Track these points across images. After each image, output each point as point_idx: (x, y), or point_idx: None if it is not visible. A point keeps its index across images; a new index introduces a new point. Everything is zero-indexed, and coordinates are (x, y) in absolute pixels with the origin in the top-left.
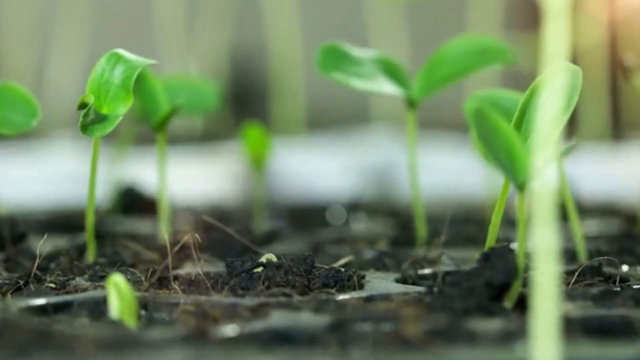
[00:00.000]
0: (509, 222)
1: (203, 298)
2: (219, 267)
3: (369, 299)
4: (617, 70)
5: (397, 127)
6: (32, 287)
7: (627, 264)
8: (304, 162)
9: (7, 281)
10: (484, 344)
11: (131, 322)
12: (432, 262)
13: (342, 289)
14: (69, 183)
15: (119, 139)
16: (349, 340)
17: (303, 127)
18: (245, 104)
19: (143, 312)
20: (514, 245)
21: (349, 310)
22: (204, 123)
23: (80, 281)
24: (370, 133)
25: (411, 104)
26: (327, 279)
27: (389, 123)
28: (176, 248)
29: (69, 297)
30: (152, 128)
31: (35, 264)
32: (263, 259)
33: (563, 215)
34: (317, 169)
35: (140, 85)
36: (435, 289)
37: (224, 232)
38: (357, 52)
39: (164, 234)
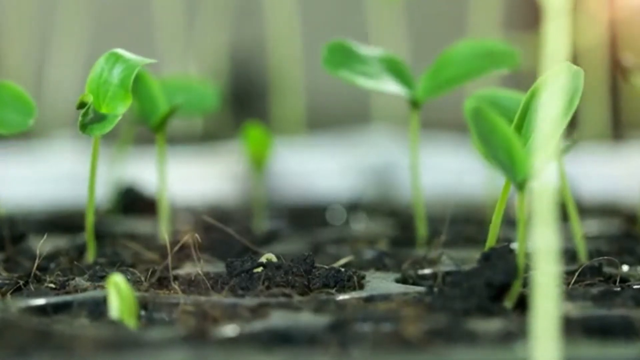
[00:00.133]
0: (509, 222)
1: (203, 298)
2: (219, 267)
3: (369, 299)
4: (617, 70)
5: (397, 127)
6: (31, 287)
7: (627, 264)
8: (304, 162)
9: (7, 281)
10: (484, 344)
11: (131, 322)
12: (432, 262)
13: (342, 289)
14: (68, 183)
15: (119, 139)
16: (349, 341)
17: (303, 127)
18: (245, 104)
19: (143, 312)
20: (514, 245)
21: (349, 310)
22: (203, 123)
23: (80, 281)
24: (370, 133)
25: (415, 104)
26: (327, 279)
27: (389, 123)
28: (176, 248)
29: (68, 297)
30: (150, 129)
31: (35, 264)
32: (263, 259)
33: (563, 215)
34: (317, 169)
35: (138, 86)
36: (436, 289)
37: (224, 232)
38: (363, 50)
39: (164, 234)
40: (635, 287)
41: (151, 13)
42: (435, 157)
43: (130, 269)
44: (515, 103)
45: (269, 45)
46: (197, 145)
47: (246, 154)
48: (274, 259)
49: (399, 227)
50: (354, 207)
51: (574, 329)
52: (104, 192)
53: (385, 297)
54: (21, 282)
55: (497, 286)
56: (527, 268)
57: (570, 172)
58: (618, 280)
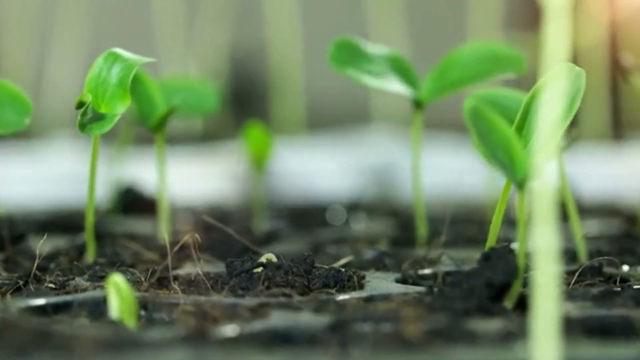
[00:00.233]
0: (510, 222)
1: (203, 298)
2: (218, 267)
3: (369, 299)
4: (617, 71)
5: (397, 127)
6: (31, 287)
7: (627, 264)
8: (304, 162)
9: (7, 281)
10: (484, 344)
11: (131, 323)
12: (432, 262)
13: (342, 289)
14: (68, 183)
15: (119, 139)
16: (349, 341)
17: (303, 127)
18: (245, 104)
19: (143, 313)
20: (514, 246)
21: (349, 310)
22: (203, 123)
23: (80, 281)
24: (370, 133)
25: (419, 105)
26: (327, 279)
27: (389, 123)
28: (176, 248)
29: (68, 298)
30: (149, 129)
31: (35, 264)
32: (263, 259)
33: (563, 215)
34: (317, 169)
35: (135, 86)
36: (436, 289)
37: (224, 232)
38: (369, 48)
39: (164, 234)
40: (635, 287)
41: (151, 13)
42: (435, 157)
43: (130, 269)
44: (515, 102)
45: (269, 45)
46: (197, 145)
47: (247, 153)
48: (274, 259)
49: (399, 227)
50: (354, 207)
51: (574, 329)
52: (103, 192)
53: (385, 297)
54: (21, 282)
55: (497, 286)
56: (527, 268)
57: (570, 172)
58: (618, 281)
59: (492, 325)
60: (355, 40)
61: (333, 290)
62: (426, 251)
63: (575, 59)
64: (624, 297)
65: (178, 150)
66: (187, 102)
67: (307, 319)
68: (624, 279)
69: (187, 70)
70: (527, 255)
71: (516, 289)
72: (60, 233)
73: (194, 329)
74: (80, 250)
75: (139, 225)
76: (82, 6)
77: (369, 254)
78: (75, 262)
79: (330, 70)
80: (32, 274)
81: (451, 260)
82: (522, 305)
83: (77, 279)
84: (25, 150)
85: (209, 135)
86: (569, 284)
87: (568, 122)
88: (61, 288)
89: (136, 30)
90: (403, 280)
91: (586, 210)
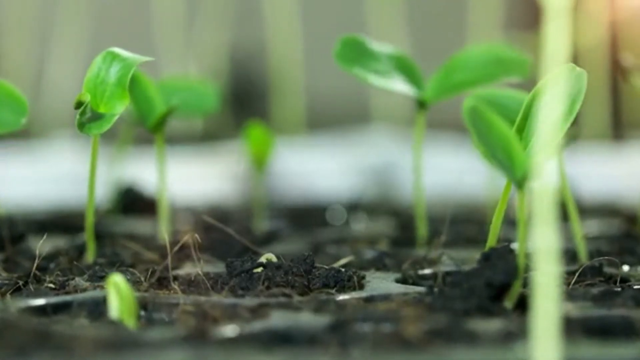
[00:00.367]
0: (510, 222)
1: (203, 298)
2: (218, 268)
3: (369, 299)
4: (617, 71)
5: (397, 127)
6: (31, 287)
7: (627, 264)
8: (304, 162)
9: (7, 281)
10: (484, 344)
11: (131, 323)
12: (432, 263)
13: (342, 289)
14: (68, 183)
15: (119, 139)
16: (349, 341)
17: (303, 127)
18: (245, 104)
19: (143, 313)
20: (515, 246)
21: (349, 310)
22: (203, 123)
23: (79, 281)
24: (370, 133)
25: (422, 105)
26: (327, 279)
27: (389, 123)
28: (176, 248)
29: (68, 298)
30: (148, 130)
31: (35, 264)
32: (263, 259)
33: (563, 216)
34: (317, 169)
35: (133, 87)
36: (436, 289)
37: (224, 232)
38: (375, 46)
39: (164, 234)
40: (635, 287)
41: (151, 13)
42: (435, 157)
43: (130, 269)
44: (515, 102)
45: (269, 45)
46: (197, 145)
47: (248, 153)
48: (274, 259)
49: (399, 227)
50: (354, 207)
51: (574, 329)
52: (103, 192)
53: (386, 297)
54: (21, 283)
55: (497, 286)
56: (528, 268)
57: (570, 172)
58: (618, 281)
59: (492, 325)
60: (361, 38)
61: (333, 290)
62: (426, 251)
63: (576, 59)
64: (624, 297)
65: (178, 150)
66: (187, 102)
67: (307, 319)
68: (624, 279)
69: (187, 70)
70: (527, 255)
71: (516, 289)
72: (60, 233)
73: (194, 329)
74: (80, 250)
75: (139, 225)
76: (82, 6)
77: (369, 254)
78: (75, 262)
79: (330, 70)
80: (31, 274)
81: (451, 260)
82: (522, 305)
83: (77, 279)
84: (25, 150)
85: (209, 135)
86: (569, 284)
87: (569, 123)
88: (61, 288)
89: (136, 30)
90: (403, 281)
91: (586, 210)
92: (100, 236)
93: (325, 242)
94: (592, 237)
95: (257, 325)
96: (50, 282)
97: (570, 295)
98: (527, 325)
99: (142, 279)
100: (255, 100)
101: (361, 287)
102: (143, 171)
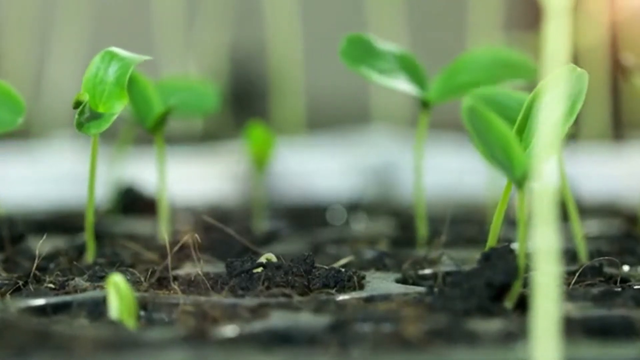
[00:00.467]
0: (510, 222)
1: (203, 298)
2: (218, 268)
3: (369, 300)
4: (617, 71)
5: (397, 127)
6: (31, 287)
7: (627, 264)
8: (304, 162)
9: (7, 281)
10: (484, 344)
11: (130, 323)
12: (432, 263)
13: (342, 290)
14: (68, 183)
15: (119, 139)
16: (349, 341)
17: (303, 127)
18: (245, 104)
19: (142, 313)
20: (515, 246)
21: (349, 310)
22: (203, 123)
23: (79, 281)
24: (370, 133)
25: (426, 105)
26: (327, 279)
27: (389, 123)
28: (176, 248)
29: (68, 298)
30: (147, 130)
31: (35, 265)
32: (263, 259)
33: (563, 216)
34: (317, 169)
35: (131, 87)
36: (436, 290)
37: (223, 232)
38: (380, 44)
39: (164, 234)
40: (635, 287)
41: (151, 13)
42: (436, 157)
43: (130, 269)
44: (514, 101)
45: (269, 45)
46: (197, 145)
47: (249, 153)
48: (274, 259)
49: (399, 227)
50: (354, 207)
51: (575, 329)
52: (103, 192)
53: (386, 298)
54: (20, 283)
55: (498, 286)
56: (528, 268)
57: (570, 172)
58: (618, 281)
59: (492, 325)
60: (367, 36)
61: (333, 291)
62: (426, 251)
63: (576, 59)
64: (625, 298)
65: (178, 150)
66: (187, 102)
67: (307, 319)
68: (625, 279)
69: (187, 70)
70: (528, 256)
71: (516, 289)
72: (60, 233)
73: (194, 329)
74: (80, 250)
75: (138, 226)
76: (82, 6)
77: (369, 254)
78: (74, 263)
79: (330, 70)
80: (31, 274)
81: (451, 260)
82: (523, 305)
83: (76, 279)
84: (25, 150)
85: (209, 135)
86: (569, 284)
87: (569, 124)
88: (61, 288)
89: (136, 30)
90: (403, 281)
91: (586, 211)
92: (100, 236)
93: (325, 242)
94: (592, 237)
95: (257, 326)
96: (50, 282)
97: (570, 295)
98: (527, 326)
99: (142, 279)
100: (255, 100)
101: (361, 287)
102: (143, 171)
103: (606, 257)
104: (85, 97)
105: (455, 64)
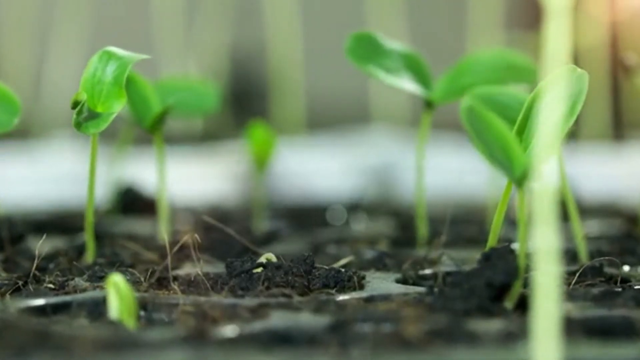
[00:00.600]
0: (510, 222)
1: (202, 298)
2: (218, 268)
3: (369, 300)
4: (618, 70)
5: (397, 127)
6: (31, 287)
7: (628, 264)
8: (304, 162)
9: (6, 282)
10: (484, 344)
11: (130, 323)
12: (432, 263)
13: (342, 290)
14: (68, 183)
15: (119, 139)
16: (349, 341)
17: (303, 127)
18: (245, 104)
19: (142, 313)
20: (515, 246)
21: (349, 310)
22: (203, 123)
23: (79, 282)
24: (370, 133)
25: (429, 105)
26: (327, 279)
27: (389, 123)
28: (175, 248)
29: (68, 298)
30: (145, 130)
31: (34, 265)
32: (263, 259)
33: (564, 216)
34: (318, 169)
35: (129, 87)
36: (436, 290)
37: (223, 232)
38: (386, 42)
39: (164, 234)
40: (636, 287)
41: (151, 13)
42: (436, 157)
43: (130, 269)
44: (514, 100)
45: (269, 45)
46: (197, 145)
47: (249, 153)
48: (274, 259)
49: (399, 228)
50: (354, 207)
51: (575, 329)
52: (103, 192)
53: (386, 298)
54: (20, 283)
55: (498, 286)
56: (528, 268)
57: (570, 172)
58: (619, 281)
59: (492, 325)
60: (373, 33)
61: (333, 291)
62: (426, 251)
63: (576, 59)
64: (625, 298)
65: (178, 150)
66: (187, 102)
67: (307, 319)
68: (625, 280)
69: (187, 70)
70: (528, 256)
71: (517, 289)
72: (59, 233)
73: (194, 330)
74: (80, 250)
75: (138, 226)
76: (81, 6)
77: (369, 254)
78: (74, 263)
79: (330, 70)
80: (31, 275)
81: (451, 260)
82: (523, 305)
83: (76, 279)
84: (25, 150)
85: (209, 135)
86: (569, 285)
87: (570, 125)
88: (60, 288)
89: (136, 30)
90: (403, 281)
91: (587, 211)
92: (100, 236)
93: (325, 242)
94: (592, 237)
95: (257, 326)
96: (50, 282)
97: (570, 295)
98: (528, 326)
99: (142, 279)
100: (255, 100)
101: (361, 287)
102: (143, 171)
103: (606, 257)
104: (83, 97)
105: (459, 65)
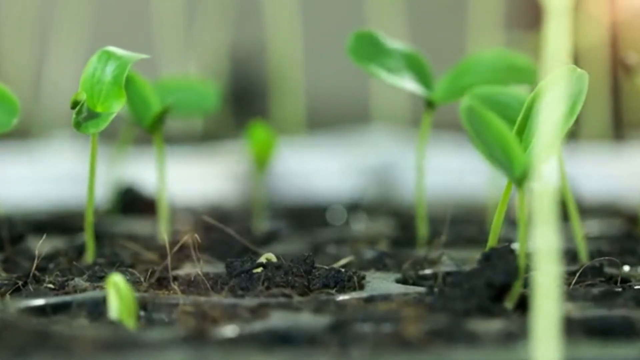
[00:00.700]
0: (510, 222)
1: (202, 299)
2: (218, 268)
3: (369, 300)
4: (618, 70)
5: (397, 127)
6: (30, 287)
7: (628, 264)
8: (304, 162)
9: (6, 282)
10: (484, 344)
11: (130, 323)
12: (432, 263)
13: (342, 290)
14: (68, 183)
15: (119, 139)
16: (349, 341)
17: (303, 127)
18: (245, 104)
19: (142, 313)
20: (515, 246)
21: (349, 310)
22: (203, 123)
23: (79, 282)
24: (370, 133)
25: (430, 105)
26: (327, 279)
27: (389, 123)
28: (175, 248)
29: (67, 298)
30: (145, 129)
31: (34, 265)
32: (263, 259)
33: (564, 216)
34: (318, 169)
35: (129, 87)
36: (436, 290)
37: (223, 233)
38: (388, 42)
39: (164, 234)
40: (636, 287)
41: (151, 13)
42: (436, 157)
43: (130, 270)
44: (514, 99)
45: (269, 45)
46: (197, 145)
47: (250, 153)
48: (274, 259)
49: (399, 228)
50: (354, 207)
51: (575, 329)
52: (103, 193)
53: (386, 298)
54: (20, 283)
55: (498, 286)
56: (528, 268)
57: (570, 172)
58: (619, 281)
59: (492, 325)
60: (375, 33)
61: (333, 291)
62: (426, 251)
63: (576, 59)
64: (625, 298)
65: (178, 150)
66: (187, 102)
67: (307, 319)
68: (625, 280)
69: (187, 70)
70: (528, 256)
71: (517, 289)
72: (59, 233)
73: (194, 330)
74: (80, 250)
75: (138, 226)
76: (81, 6)
77: (369, 254)
78: (74, 263)
79: (330, 70)
80: (31, 275)
81: (451, 260)
82: (523, 305)
83: (76, 279)
84: (25, 150)
85: (209, 135)
86: (569, 285)
87: (570, 125)
88: (60, 288)
89: (136, 30)
90: (403, 281)
91: (587, 211)
92: (100, 236)
93: (325, 242)
94: (592, 237)
95: (257, 326)
96: (50, 282)
97: (570, 295)
98: (528, 326)
99: (142, 279)
100: (255, 100)
101: (361, 287)
102: (143, 171)
103: (607, 257)
104: (83, 97)
105: (461, 65)
